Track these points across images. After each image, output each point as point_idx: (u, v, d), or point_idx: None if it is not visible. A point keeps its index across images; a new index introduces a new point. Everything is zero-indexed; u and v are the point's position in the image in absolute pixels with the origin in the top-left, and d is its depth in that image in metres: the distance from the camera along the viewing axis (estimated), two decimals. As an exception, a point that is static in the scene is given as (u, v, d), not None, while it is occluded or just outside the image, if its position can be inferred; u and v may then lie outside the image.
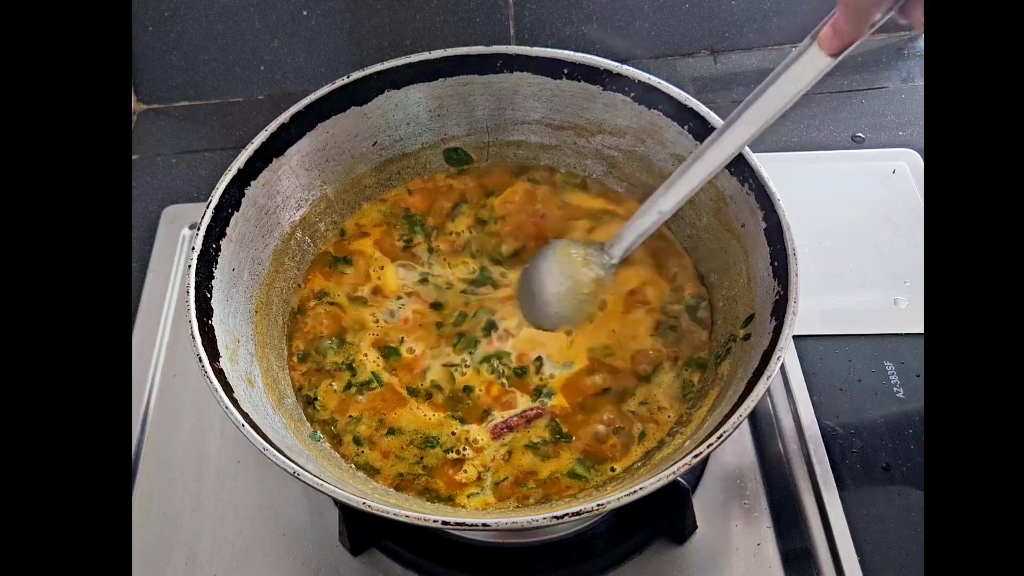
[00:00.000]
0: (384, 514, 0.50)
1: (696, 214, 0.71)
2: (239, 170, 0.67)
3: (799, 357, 0.74)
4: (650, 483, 0.51)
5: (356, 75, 0.71)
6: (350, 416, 0.66)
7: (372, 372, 0.68)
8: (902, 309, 0.77)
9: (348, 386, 0.68)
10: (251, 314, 0.67)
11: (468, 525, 0.54)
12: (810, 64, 0.55)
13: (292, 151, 0.70)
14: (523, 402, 0.66)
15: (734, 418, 0.53)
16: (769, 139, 0.94)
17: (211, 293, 0.63)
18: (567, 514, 0.50)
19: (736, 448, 0.72)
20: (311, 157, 0.72)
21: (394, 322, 0.71)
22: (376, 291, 0.73)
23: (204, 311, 0.61)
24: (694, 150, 0.68)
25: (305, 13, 1.00)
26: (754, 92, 0.59)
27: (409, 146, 0.77)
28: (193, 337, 0.58)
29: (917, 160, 0.89)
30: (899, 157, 0.89)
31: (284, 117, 0.69)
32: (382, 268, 0.74)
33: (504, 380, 0.67)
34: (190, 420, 0.76)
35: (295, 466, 0.53)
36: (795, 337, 0.71)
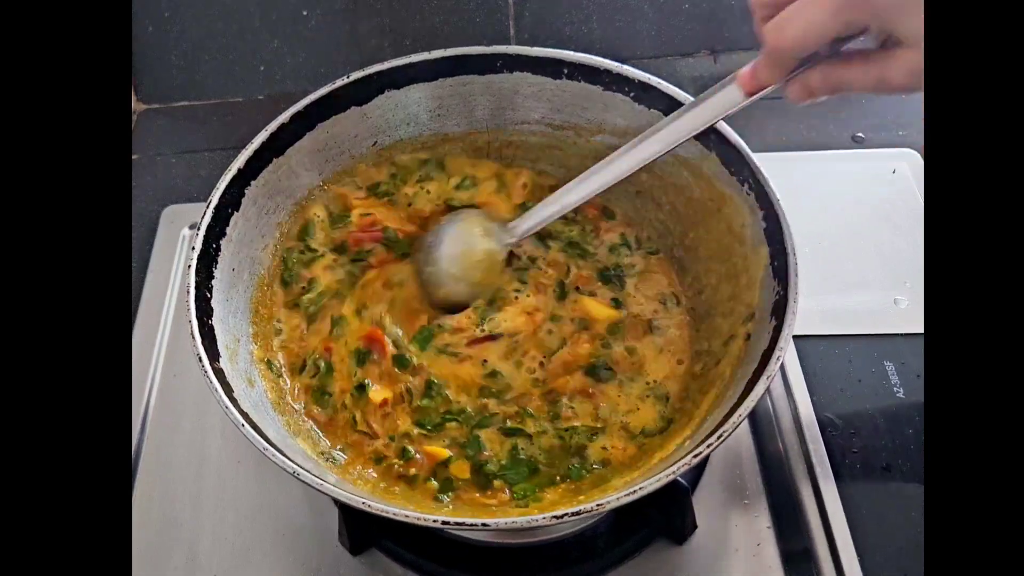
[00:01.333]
0: (384, 514, 0.50)
1: (695, 212, 0.71)
2: (239, 170, 0.67)
3: (799, 357, 0.74)
4: (650, 483, 0.51)
5: (356, 75, 0.71)
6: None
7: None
8: (902, 309, 0.77)
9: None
10: (251, 314, 0.67)
11: (468, 525, 0.54)
12: (727, 98, 0.61)
13: (292, 151, 0.70)
14: None
15: (734, 418, 0.53)
16: (769, 139, 0.95)
17: (211, 293, 0.63)
18: (567, 514, 0.50)
19: (736, 448, 0.72)
20: (311, 157, 0.72)
21: None
22: None
23: (204, 311, 0.61)
24: (693, 149, 0.68)
25: (305, 13, 1.00)
26: (673, 114, 0.64)
27: (409, 146, 0.77)
28: (193, 337, 0.58)
29: (917, 160, 0.89)
30: (899, 157, 0.89)
31: (284, 117, 0.69)
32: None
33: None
34: (190, 420, 0.76)
35: (295, 466, 0.53)
36: (795, 337, 0.71)
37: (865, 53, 0.53)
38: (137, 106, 1.04)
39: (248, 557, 0.69)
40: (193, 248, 0.63)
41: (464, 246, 0.70)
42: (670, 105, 0.69)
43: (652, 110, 0.70)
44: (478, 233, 0.71)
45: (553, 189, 0.70)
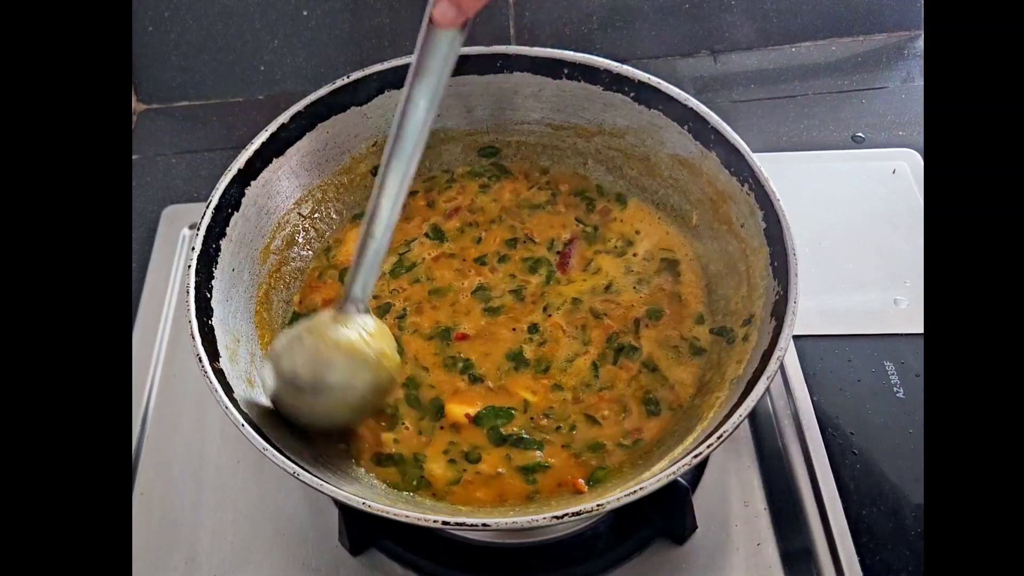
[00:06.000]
0: (384, 514, 0.51)
1: (694, 212, 0.71)
2: (239, 170, 0.67)
3: (799, 357, 0.74)
4: (650, 483, 0.51)
5: (356, 75, 0.71)
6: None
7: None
8: (902, 309, 0.77)
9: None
10: (251, 314, 0.67)
11: (468, 525, 0.54)
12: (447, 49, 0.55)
13: (292, 151, 0.70)
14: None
15: (734, 418, 0.53)
16: (769, 139, 0.95)
17: (211, 293, 0.63)
18: (567, 514, 0.50)
19: (736, 448, 0.72)
20: (311, 157, 0.72)
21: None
22: None
23: (204, 311, 0.61)
24: (693, 149, 0.68)
25: (305, 13, 1.00)
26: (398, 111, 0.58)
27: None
28: (193, 337, 0.59)
29: (917, 160, 0.89)
30: (899, 157, 0.89)
31: (284, 117, 0.69)
32: None
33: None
34: (190, 420, 0.76)
35: (295, 466, 0.53)
36: (795, 337, 0.71)
37: None
38: (137, 106, 1.04)
39: (248, 557, 0.69)
40: (193, 248, 0.63)
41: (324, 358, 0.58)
42: (670, 105, 0.69)
43: (652, 110, 0.70)
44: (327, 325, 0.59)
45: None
